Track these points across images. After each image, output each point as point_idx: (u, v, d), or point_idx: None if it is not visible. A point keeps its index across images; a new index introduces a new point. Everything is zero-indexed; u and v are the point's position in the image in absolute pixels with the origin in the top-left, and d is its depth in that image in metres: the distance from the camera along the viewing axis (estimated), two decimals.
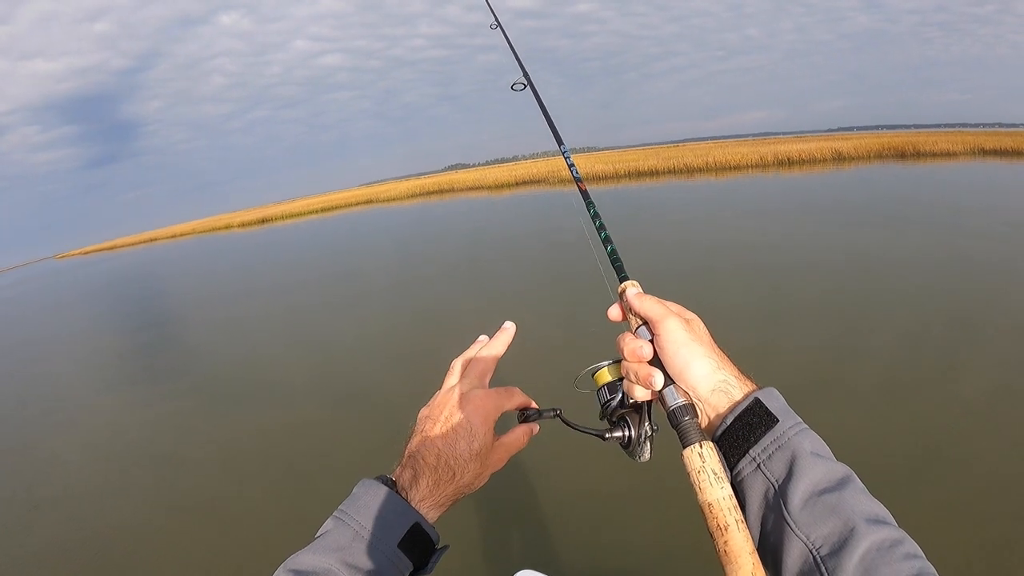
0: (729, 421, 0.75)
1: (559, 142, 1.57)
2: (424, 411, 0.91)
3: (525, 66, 1.70)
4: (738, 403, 0.76)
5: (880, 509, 0.66)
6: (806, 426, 0.74)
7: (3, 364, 12.94)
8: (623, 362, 0.87)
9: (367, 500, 0.78)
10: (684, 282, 9.80)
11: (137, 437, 7.11)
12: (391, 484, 0.81)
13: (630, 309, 0.90)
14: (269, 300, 14.31)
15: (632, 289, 0.93)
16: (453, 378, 0.94)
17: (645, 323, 0.87)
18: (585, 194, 1.29)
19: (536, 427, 0.94)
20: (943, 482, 4.08)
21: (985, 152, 32.48)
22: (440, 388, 0.93)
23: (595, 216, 1.20)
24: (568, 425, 0.94)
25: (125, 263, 45.12)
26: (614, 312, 0.93)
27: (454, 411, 0.87)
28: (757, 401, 0.75)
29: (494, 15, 2.05)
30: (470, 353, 0.98)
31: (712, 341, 0.83)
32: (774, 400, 0.75)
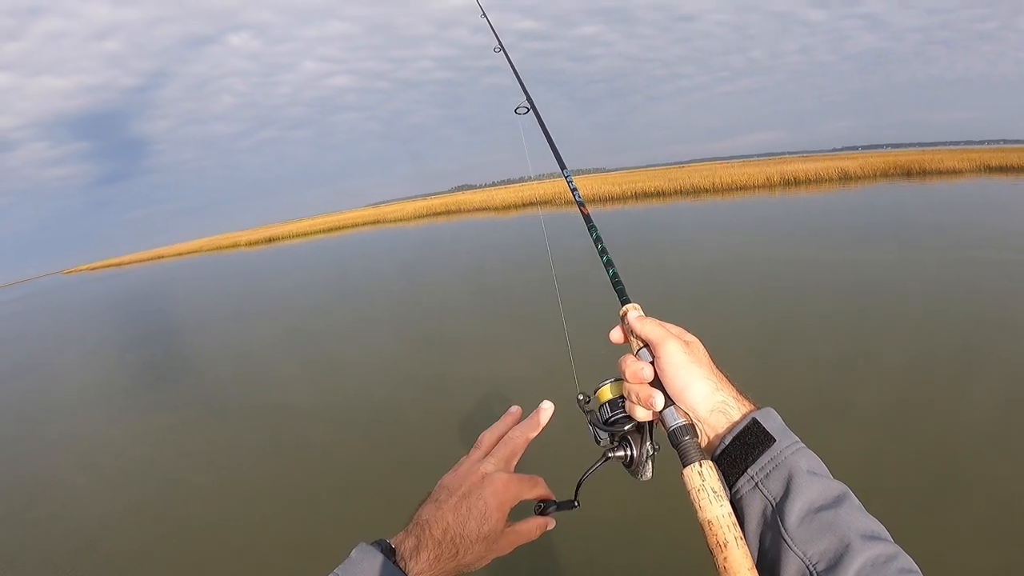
0: (728, 441, 0.78)
1: (561, 166, 1.57)
2: (446, 478, 0.90)
3: (529, 88, 1.72)
4: (736, 423, 0.79)
5: (875, 525, 0.68)
6: (803, 445, 0.76)
7: (9, 380, 12.95)
8: (624, 383, 0.88)
9: (364, 567, 0.76)
10: (691, 302, 9.82)
11: (138, 455, 7.10)
12: (390, 551, 0.79)
13: (631, 331, 0.92)
14: (275, 320, 14.37)
15: (633, 312, 0.95)
16: (479, 453, 0.92)
17: (646, 345, 0.89)
18: (587, 218, 1.31)
19: (552, 522, 0.93)
20: (956, 504, 4.04)
21: (991, 169, 32.54)
22: (465, 459, 0.92)
23: (597, 240, 1.21)
24: (579, 485, 0.94)
25: (132, 280, 45.43)
26: (615, 334, 0.95)
27: (473, 489, 0.85)
28: (755, 421, 0.77)
29: (497, 38, 2.07)
30: (501, 427, 0.96)
31: (711, 363, 0.85)
32: (771, 420, 0.78)
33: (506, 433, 0.95)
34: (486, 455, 0.91)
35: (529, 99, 1.70)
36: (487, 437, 0.95)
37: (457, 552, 0.81)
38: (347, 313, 13.73)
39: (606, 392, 0.94)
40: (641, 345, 0.90)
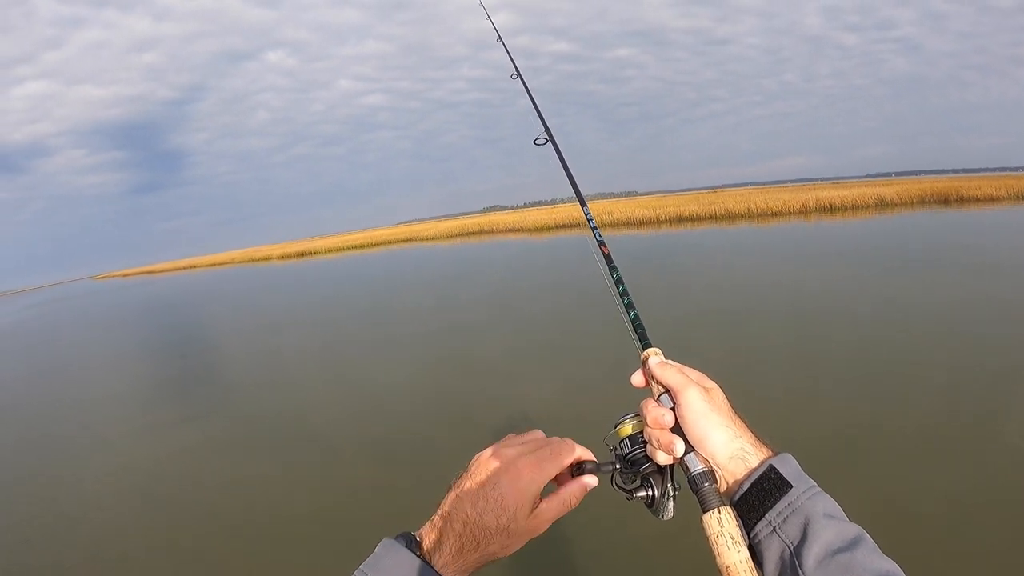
0: (746, 487, 0.81)
1: (582, 203, 1.58)
2: (475, 461, 0.89)
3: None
4: (754, 470, 0.81)
5: (891, 566, 0.71)
6: (819, 489, 0.78)
7: (34, 384, 12.83)
8: (646, 428, 0.91)
9: (389, 562, 0.77)
10: (734, 328, 9.76)
11: (154, 472, 7.00)
12: (415, 544, 0.80)
13: (652, 376, 0.95)
14: (305, 335, 14.45)
15: (655, 358, 0.98)
16: (515, 438, 0.93)
17: (667, 391, 0.92)
18: (608, 258, 1.31)
19: (592, 482, 0.90)
20: (984, 536, 3.91)
21: None
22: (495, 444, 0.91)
23: (618, 281, 1.22)
24: (612, 483, 0.95)
25: (163, 288, 46.34)
26: (637, 379, 0.99)
27: (491, 478, 0.84)
28: (772, 468, 0.80)
29: (514, 64, 2.09)
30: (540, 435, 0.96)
31: (731, 409, 0.88)
32: (788, 466, 0.80)
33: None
34: (511, 444, 0.91)
35: (547, 130, 1.70)
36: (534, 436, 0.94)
37: (479, 544, 0.81)
38: (378, 330, 13.77)
39: (626, 428, 0.96)
40: (662, 390, 0.92)
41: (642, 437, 0.93)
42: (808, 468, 0.82)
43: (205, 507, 5.89)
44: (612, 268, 1.27)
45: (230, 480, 6.50)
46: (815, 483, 0.79)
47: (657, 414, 0.89)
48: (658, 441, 0.88)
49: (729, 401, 0.90)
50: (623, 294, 1.18)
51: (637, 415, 0.95)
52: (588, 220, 1.49)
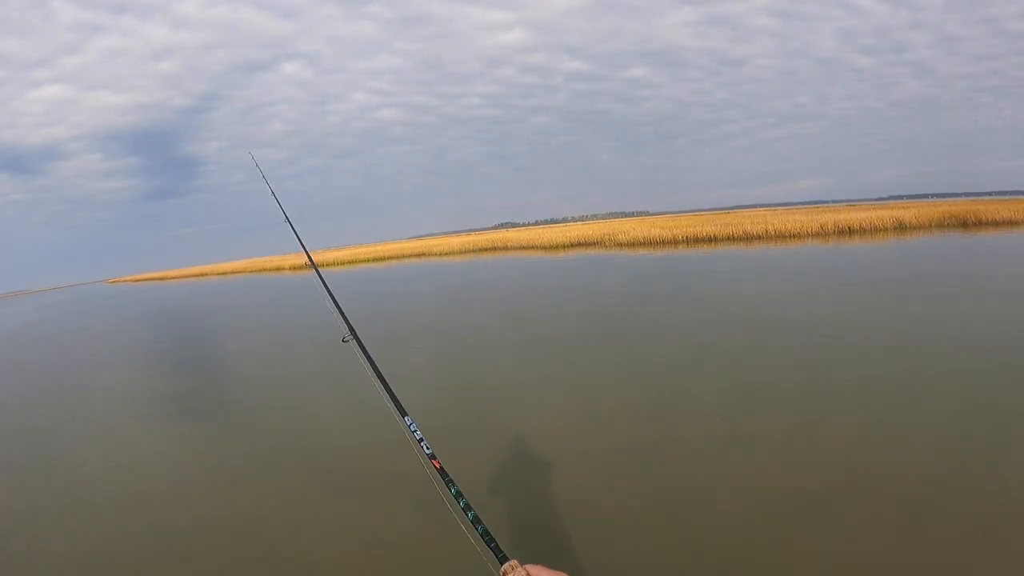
0: None
1: (402, 412, 1.57)
2: None
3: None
4: None
5: None
6: None
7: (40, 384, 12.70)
8: None
9: None
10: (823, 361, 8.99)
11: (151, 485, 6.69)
12: None
13: None
14: (312, 346, 13.94)
15: (512, 572, 1.12)
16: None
17: None
18: (443, 472, 1.34)
19: None
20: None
21: None
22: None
23: (458, 495, 1.30)
24: None
25: (174, 293, 46.64)
26: None
27: None
28: None
29: None
30: None
31: None
32: None
33: None
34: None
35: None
36: None
37: None
38: (386, 349, 13.48)
39: None
40: None
41: None
42: None
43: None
44: (448, 482, 1.32)
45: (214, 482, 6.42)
46: None
47: None
48: None
49: None
50: (466, 508, 1.27)
51: None
52: (414, 432, 1.51)
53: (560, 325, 13.80)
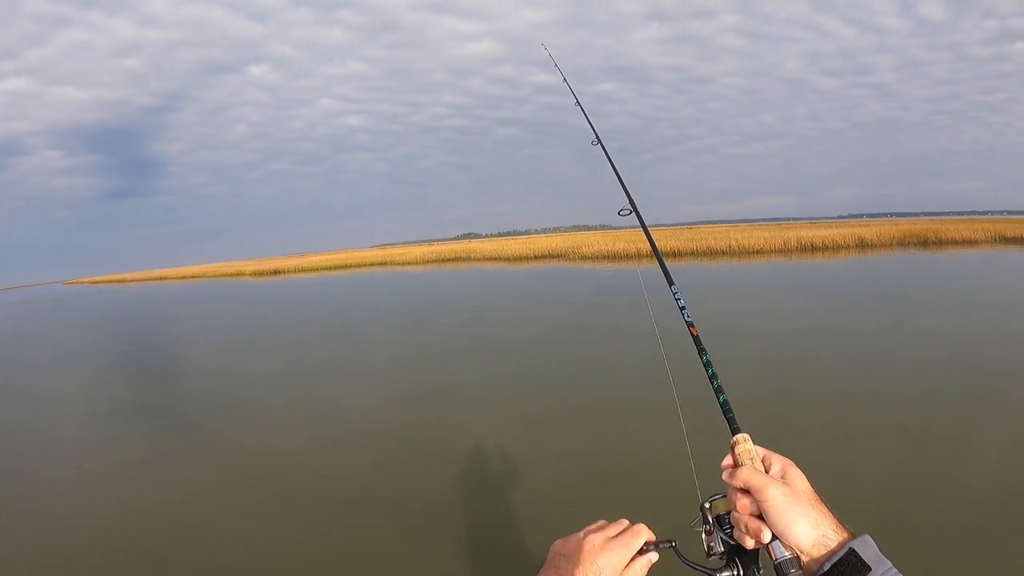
0: (826, 568, 0.83)
1: (670, 282, 1.52)
2: (559, 546, 0.98)
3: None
4: (834, 552, 0.84)
5: None
6: (896, 571, 0.80)
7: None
8: (734, 513, 0.95)
9: None
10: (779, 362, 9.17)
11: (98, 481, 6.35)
12: None
13: (732, 477, 0.96)
14: (272, 355, 13.75)
15: (743, 445, 0.99)
16: (593, 527, 1.00)
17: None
18: (698, 340, 1.30)
19: (654, 556, 0.98)
20: None
21: (1007, 240, 33.03)
22: (578, 533, 0.99)
23: (707, 364, 1.23)
24: (681, 559, 0.98)
25: (132, 296, 45.69)
26: (727, 463, 0.99)
27: (587, 558, 0.93)
28: (851, 551, 0.82)
29: (595, 133, 2.32)
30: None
31: (812, 496, 0.90)
32: (867, 548, 0.82)
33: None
34: (600, 531, 0.98)
35: (631, 201, 1.94)
36: (601, 524, 1.02)
37: None
38: (349, 357, 13.06)
39: (715, 508, 1.00)
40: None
41: (729, 519, 0.97)
42: None
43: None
44: (701, 351, 1.27)
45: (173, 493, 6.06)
46: (892, 565, 0.81)
47: (745, 501, 0.92)
48: (746, 527, 0.92)
49: (812, 486, 0.91)
50: (712, 377, 1.19)
51: (724, 496, 0.99)
52: (677, 299, 1.43)
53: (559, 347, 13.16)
